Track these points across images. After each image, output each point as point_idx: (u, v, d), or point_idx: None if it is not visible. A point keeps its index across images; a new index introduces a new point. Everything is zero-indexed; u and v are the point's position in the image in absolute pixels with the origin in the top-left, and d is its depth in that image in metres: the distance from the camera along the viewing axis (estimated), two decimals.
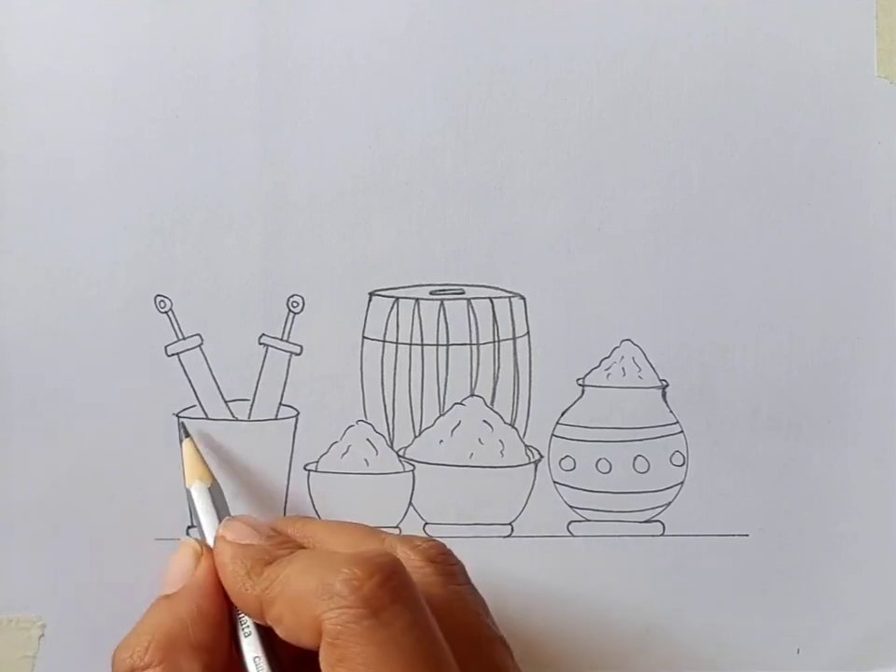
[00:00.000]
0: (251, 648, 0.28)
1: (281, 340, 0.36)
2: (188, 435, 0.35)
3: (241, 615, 0.29)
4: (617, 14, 0.36)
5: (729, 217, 0.36)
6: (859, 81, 0.36)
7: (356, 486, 0.36)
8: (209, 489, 0.33)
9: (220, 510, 0.32)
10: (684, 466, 0.36)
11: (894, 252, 0.36)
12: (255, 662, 0.28)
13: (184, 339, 0.36)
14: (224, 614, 0.29)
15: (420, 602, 0.25)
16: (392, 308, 0.36)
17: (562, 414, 0.36)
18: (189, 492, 0.33)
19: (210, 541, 0.31)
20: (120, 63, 0.36)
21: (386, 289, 0.36)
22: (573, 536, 0.36)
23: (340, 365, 0.36)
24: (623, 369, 0.36)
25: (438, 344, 0.36)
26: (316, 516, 0.36)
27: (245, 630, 0.28)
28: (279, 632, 0.26)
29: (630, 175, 0.36)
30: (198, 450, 0.34)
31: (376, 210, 0.36)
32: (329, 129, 0.36)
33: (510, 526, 0.36)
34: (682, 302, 0.36)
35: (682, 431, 0.36)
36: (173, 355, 0.36)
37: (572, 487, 0.36)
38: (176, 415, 0.36)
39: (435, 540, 0.30)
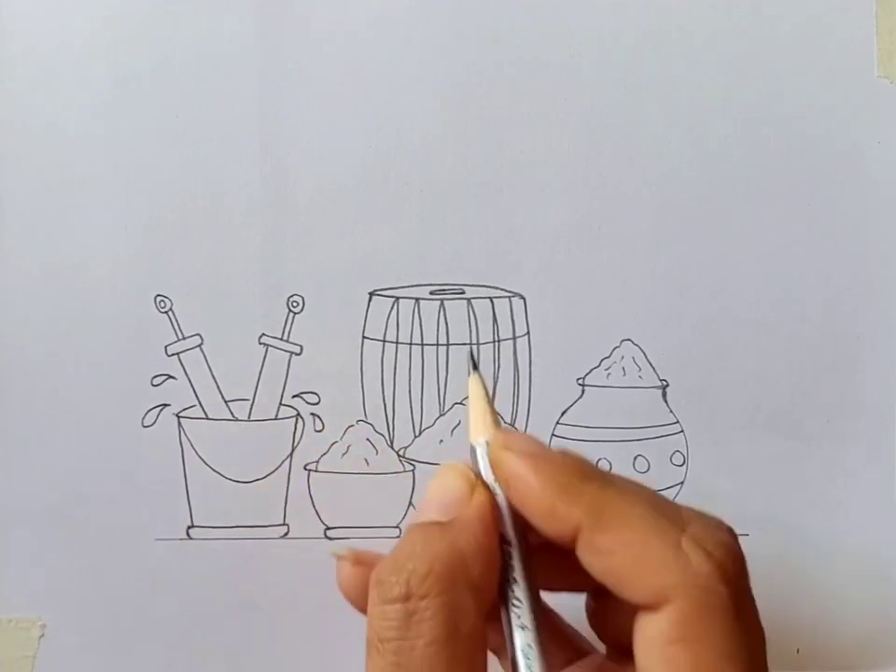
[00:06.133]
0: (521, 595, 0.24)
1: (281, 340, 0.36)
2: (476, 368, 0.26)
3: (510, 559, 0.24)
4: (617, 13, 0.36)
5: (729, 217, 0.36)
6: (859, 81, 0.36)
7: (356, 486, 0.36)
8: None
9: None
10: (684, 466, 0.36)
11: (894, 252, 0.36)
12: (519, 607, 0.24)
13: (184, 339, 0.36)
14: (497, 557, 0.24)
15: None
16: (392, 308, 0.36)
17: (562, 414, 0.36)
18: (475, 450, 0.26)
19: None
20: (120, 63, 0.36)
21: (386, 289, 0.36)
22: None
23: (340, 365, 0.36)
24: (623, 369, 0.36)
25: (438, 344, 0.36)
26: (316, 516, 0.36)
27: (514, 575, 0.24)
28: (587, 558, 0.23)
29: (630, 174, 0.36)
30: (486, 388, 0.26)
31: (376, 210, 0.36)
32: (329, 128, 0.36)
33: None
34: (682, 302, 0.36)
35: (682, 431, 0.36)
36: (173, 355, 0.36)
37: None
38: (176, 415, 0.36)
39: (726, 538, 0.25)
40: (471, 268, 0.36)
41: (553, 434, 0.36)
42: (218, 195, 0.36)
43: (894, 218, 0.36)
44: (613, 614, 0.25)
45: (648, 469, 0.36)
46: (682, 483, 0.36)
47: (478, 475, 0.25)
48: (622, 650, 0.25)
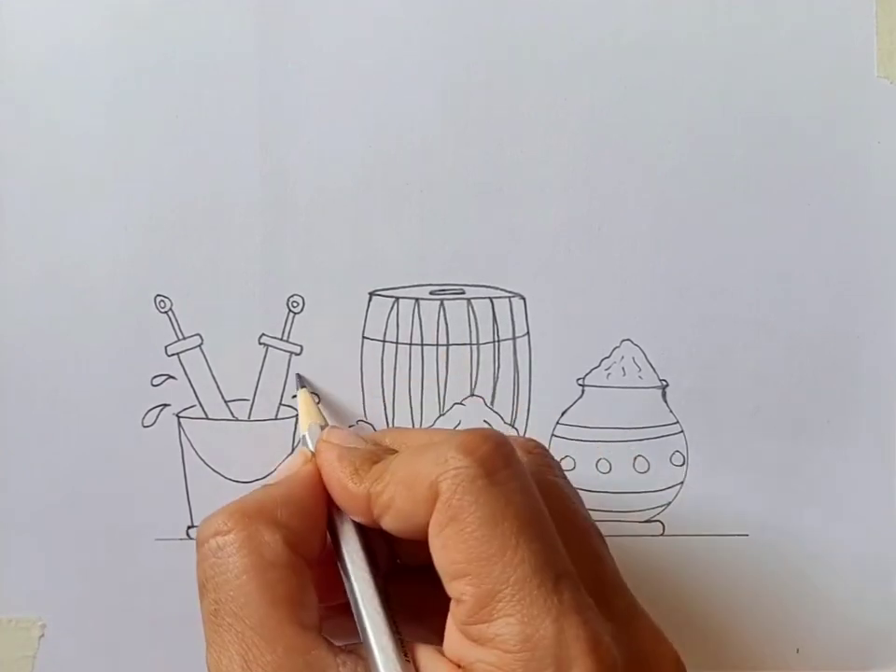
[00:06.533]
0: (351, 548, 0.28)
1: (281, 340, 0.36)
2: (303, 385, 0.35)
3: (342, 523, 0.28)
4: (617, 13, 0.36)
5: (729, 217, 0.36)
6: (859, 81, 0.36)
7: None
8: (320, 427, 0.32)
9: None
10: (684, 466, 0.36)
11: (894, 251, 0.36)
12: (352, 562, 0.28)
13: (184, 339, 0.36)
14: (319, 512, 0.28)
15: (527, 473, 0.26)
16: (392, 308, 0.36)
17: (562, 414, 0.36)
18: (303, 437, 0.32)
19: None
20: (120, 63, 0.36)
21: (386, 289, 0.36)
22: None
23: (340, 365, 0.36)
24: (623, 369, 0.36)
25: (438, 344, 0.36)
26: None
27: (346, 538, 0.28)
28: (387, 522, 0.26)
29: (630, 174, 0.36)
30: (311, 398, 0.35)
31: (376, 210, 0.36)
32: (329, 129, 0.36)
33: None
34: (682, 302, 0.36)
35: (682, 431, 0.36)
36: (173, 355, 0.36)
37: None
38: (176, 415, 0.36)
39: (531, 438, 0.31)
40: (471, 268, 0.36)
41: (553, 434, 0.36)
42: (218, 195, 0.36)
43: (894, 218, 0.36)
44: None
45: (648, 469, 0.36)
46: (682, 483, 0.36)
47: (313, 452, 0.30)
48: None
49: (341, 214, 0.36)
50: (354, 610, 0.27)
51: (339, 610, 0.28)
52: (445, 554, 0.24)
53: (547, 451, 0.30)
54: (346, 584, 0.27)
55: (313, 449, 0.30)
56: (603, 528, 0.36)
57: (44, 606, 0.36)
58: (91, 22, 0.36)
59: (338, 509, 0.28)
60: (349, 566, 0.27)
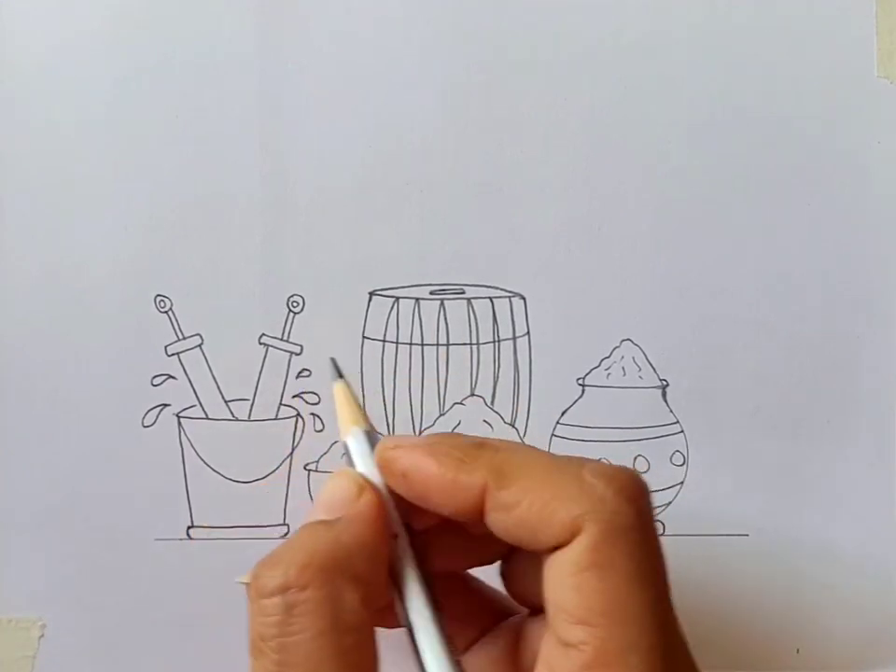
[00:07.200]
0: (413, 591, 0.25)
1: (281, 340, 0.36)
2: (341, 375, 0.29)
3: (402, 565, 0.25)
4: (617, 13, 0.36)
5: (729, 217, 0.36)
6: (859, 81, 0.36)
7: None
8: (366, 433, 0.27)
9: None
10: (684, 466, 0.36)
11: (894, 251, 0.36)
12: (417, 607, 0.24)
13: (184, 339, 0.36)
14: (384, 552, 0.25)
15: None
16: (392, 308, 0.36)
17: (562, 414, 0.36)
18: (346, 447, 0.27)
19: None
20: (120, 63, 0.36)
21: (386, 289, 0.36)
22: None
23: (340, 365, 0.36)
24: (623, 369, 0.36)
25: (438, 344, 0.36)
26: None
27: (406, 570, 0.25)
28: (497, 521, 0.24)
29: (630, 174, 0.36)
30: (352, 391, 0.29)
31: (376, 210, 0.36)
32: (329, 129, 0.36)
33: None
34: (682, 302, 0.36)
35: (682, 431, 0.36)
36: (173, 355, 0.36)
37: None
38: (176, 415, 0.36)
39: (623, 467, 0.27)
40: (471, 268, 0.36)
41: (553, 434, 0.36)
42: (218, 195, 0.36)
43: (894, 218, 0.36)
44: (524, 576, 0.26)
45: (648, 469, 0.36)
46: (682, 483, 0.36)
47: (363, 475, 0.26)
48: (537, 609, 0.26)
49: (341, 214, 0.36)
50: (415, 661, 0.24)
51: None
52: (577, 597, 0.22)
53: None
54: (408, 631, 0.25)
55: (356, 460, 0.27)
56: None
57: (44, 606, 0.36)
58: (91, 22, 0.36)
59: (395, 549, 0.25)
60: (413, 616, 0.25)
